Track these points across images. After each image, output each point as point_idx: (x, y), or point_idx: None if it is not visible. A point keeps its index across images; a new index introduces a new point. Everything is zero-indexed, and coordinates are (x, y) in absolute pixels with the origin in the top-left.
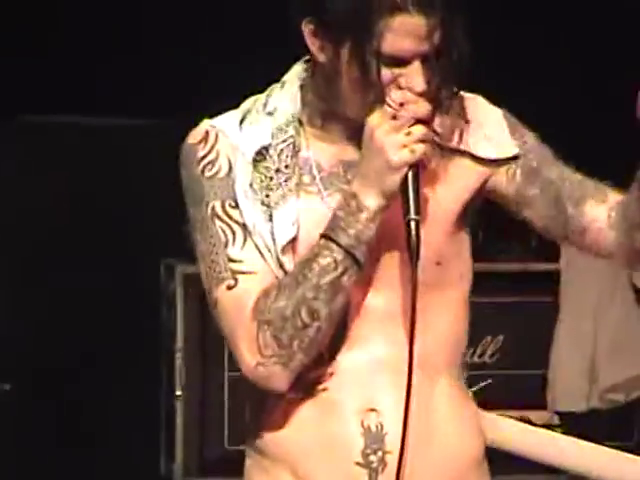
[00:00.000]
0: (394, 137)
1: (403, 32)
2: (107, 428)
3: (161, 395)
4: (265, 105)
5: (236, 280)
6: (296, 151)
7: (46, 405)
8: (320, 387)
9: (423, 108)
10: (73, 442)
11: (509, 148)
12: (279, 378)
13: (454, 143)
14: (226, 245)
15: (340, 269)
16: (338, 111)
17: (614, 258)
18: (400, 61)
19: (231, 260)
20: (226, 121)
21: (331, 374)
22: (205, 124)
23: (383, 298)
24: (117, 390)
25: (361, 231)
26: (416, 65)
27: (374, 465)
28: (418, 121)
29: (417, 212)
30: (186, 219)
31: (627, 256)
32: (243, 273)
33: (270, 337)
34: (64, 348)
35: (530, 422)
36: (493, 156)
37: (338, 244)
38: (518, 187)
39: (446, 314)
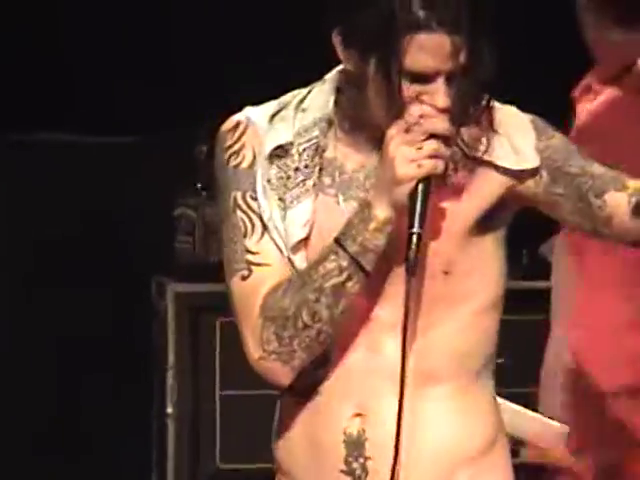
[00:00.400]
0: (404, 150)
1: (426, 50)
2: (98, 445)
3: (152, 413)
4: (302, 101)
5: (250, 271)
6: (321, 152)
7: (35, 421)
8: (316, 390)
9: (439, 124)
10: (64, 459)
11: (532, 159)
12: (280, 374)
13: (479, 154)
14: (245, 235)
15: (345, 275)
16: (365, 118)
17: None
18: (423, 78)
19: (248, 251)
20: (259, 112)
21: (325, 378)
22: (240, 114)
23: (386, 308)
24: (108, 407)
25: (368, 240)
26: (439, 83)
27: (357, 472)
28: (433, 136)
29: (421, 226)
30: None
31: None
32: (258, 265)
33: (272, 334)
34: (54, 364)
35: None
36: (515, 167)
37: (345, 250)
38: (545, 189)
39: (455, 326)
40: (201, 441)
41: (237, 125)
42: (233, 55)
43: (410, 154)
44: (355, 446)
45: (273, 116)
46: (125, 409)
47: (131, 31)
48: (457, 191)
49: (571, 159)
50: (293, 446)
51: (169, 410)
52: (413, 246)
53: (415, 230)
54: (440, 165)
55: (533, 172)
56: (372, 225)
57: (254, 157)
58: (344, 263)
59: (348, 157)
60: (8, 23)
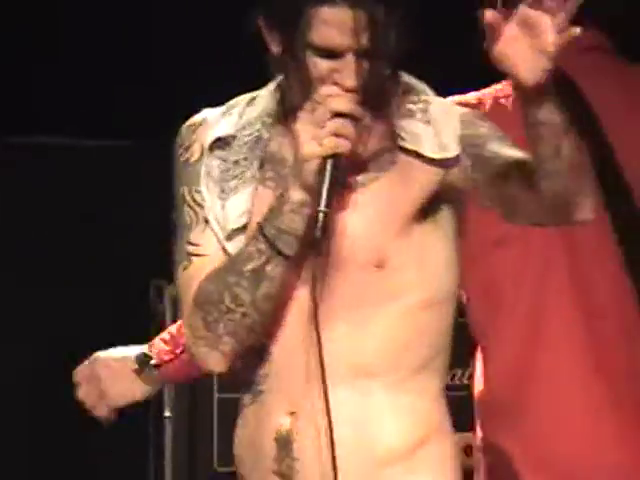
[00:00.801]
0: (309, 129)
1: (331, 24)
2: (95, 449)
3: (150, 416)
4: (254, 98)
5: (190, 262)
6: (263, 145)
7: (34, 421)
8: (258, 388)
9: (342, 103)
10: (61, 460)
11: (453, 148)
12: (210, 360)
13: (408, 144)
14: (189, 228)
15: (263, 258)
16: (297, 107)
17: (543, 220)
18: (333, 54)
19: (190, 243)
20: (214, 111)
21: (267, 375)
22: (199, 113)
23: (321, 302)
24: None
25: (284, 222)
26: (347, 60)
27: (286, 472)
28: (338, 115)
29: (327, 204)
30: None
31: (547, 210)
32: (197, 255)
33: (200, 320)
34: (51, 366)
35: None
36: (438, 156)
37: (263, 233)
38: (467, 176)
39: (390, 321)
40: (198, 444)
41: (192, 124)
42: (234, 60)
43: (314, 132)
44: (284, 446)
45: (225, 113)
46: (122, 412)
47: (132, 34)
48: (390, 184)
49: (489, 144)
50: (241, 447)
51: (167, 413)
52: (319, 224)
53: (321, 208)
54: (344, 143)
55: (455, 160)
56: (287, 207)
57: (202, 152)
58: (262, 246)
59: (288, 149)
60: (8, 24)
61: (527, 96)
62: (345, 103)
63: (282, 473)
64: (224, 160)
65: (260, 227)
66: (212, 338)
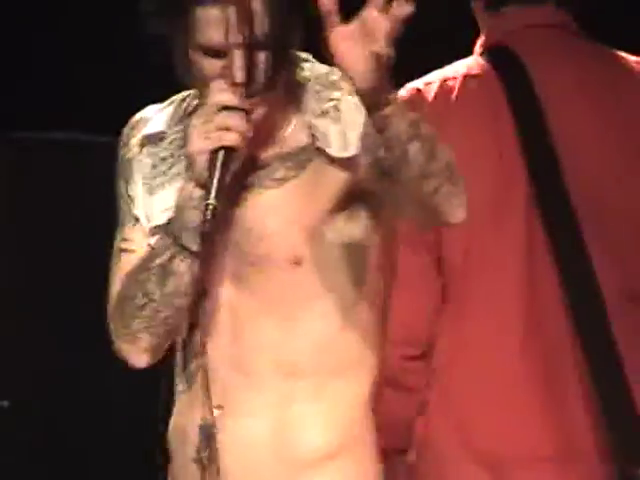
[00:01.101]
0: (196, 125)
1: (210, 23)
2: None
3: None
4: (188, 95)
5: (119, 258)
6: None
7: (33, 421)
8: (192, 379)
9: (225, 96)
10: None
11: (354, 147)
12: (130, 355)
13: (319, 144)
14: (123, 224)
15: (168, 254)
16: (198, 104)
17: (421, 221)
18: (218, 53)
19: (122, 239)
20: (154, 107)
21: (199, 367)
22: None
23: (245, 297)
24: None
25: (186, 218)
26: (233, 55)
27: (205, 462)
28: (225, 109)
29: (216, 197)
30: None
31: (421, 211)
32: (126, 251)
33: (118, 316)
34: (52, 363)
35: None
36: (340, 155)
37: (168, 229)
38: (370, 176)
39: (315, 321)
40: None
41: (133, 120)
42: None
43: (201, 128)
44: (207, 437)
45: (161, 109)
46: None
47: (136, 32)
48: (306, 183)
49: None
50: (172, 430)
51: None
52: (207, 217)
53: (210, 202)
54: (232, 137)
55: (358, 159)
56: (188, 203)
57: (139, 149)
58: (167, 242)
59: None
60: (17, 22)
61: (364, 100)
62: (228, 96)
63: (202, 462)
64: (154, 157)
65: (167, 223)
66: (130, 334)
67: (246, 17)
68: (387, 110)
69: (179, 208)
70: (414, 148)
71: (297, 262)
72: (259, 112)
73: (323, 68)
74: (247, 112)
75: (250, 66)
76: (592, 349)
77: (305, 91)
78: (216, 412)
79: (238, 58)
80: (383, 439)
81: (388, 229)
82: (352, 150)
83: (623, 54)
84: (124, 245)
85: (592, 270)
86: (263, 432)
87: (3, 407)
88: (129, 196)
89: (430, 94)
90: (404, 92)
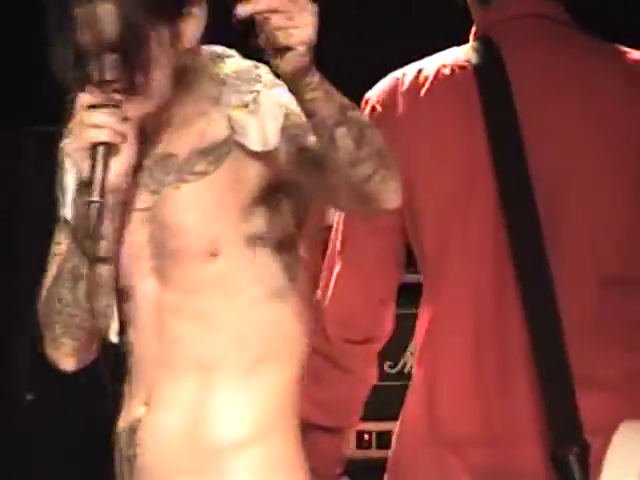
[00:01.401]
0: (73, 126)
1: (83, 24)
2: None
3: None
4: None
5: (49, 263)
6: None
7: (35, 421)
8: (127, 377)
9: (87, 96)
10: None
11: (274, 141)
12: (57, 360)
13: (238, 137)
14: (59, 228)
15: (77, 258)
16: None
17: (357, 207)
18: (95, 53)
19: (56, 242)
20: None
21: (131, 365)
22: None
23: (169, 292)
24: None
25: (78, 220)
26: (104, 56)
27: (131, 459)
28: (92, 108)
29: (101, 195)
30: None
31: (355, 198)
32: (56, 255)
33: (42, 322)
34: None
35: None
36: (260, 149)
37: (73, 233)
38: (292, 168)
39: (234, 313)
40: None
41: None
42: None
43: (75, 129)
44: (132, 433)
45: None
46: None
47: None
48: (225, 176)
49: (311, 134)
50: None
51: None
52: (92, 216)
53: (93, 199)
54: (101, 133)
55: (277, 152)
56: (79, 204)
57: None
58: (73, 246)
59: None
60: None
61: (287, 83)
62: (90, 95)
63: (129, 459)
64: None
65: (72, 224)
66: (52, 339)
67: (95, 19)
68: (312, 94)
69: (75, 212)
70: (340, 132)
71: (213, 256)
72: (138, 108)
73: (246, 63)
74: (113, 107)
75: (111, 66)
76: (541, 345)
77: (225, 85)
78: (142, 409)
79: (108, 58)
80: (320, 417)
81: (311, 221)
82: (271, 144)
83: (620, 47)
84: (56, 249)
85: (549, 273)
86: (181, 425)
87: (29, 400)
88: (61, 187)
89: (405, 83)
90: (386, 81)
